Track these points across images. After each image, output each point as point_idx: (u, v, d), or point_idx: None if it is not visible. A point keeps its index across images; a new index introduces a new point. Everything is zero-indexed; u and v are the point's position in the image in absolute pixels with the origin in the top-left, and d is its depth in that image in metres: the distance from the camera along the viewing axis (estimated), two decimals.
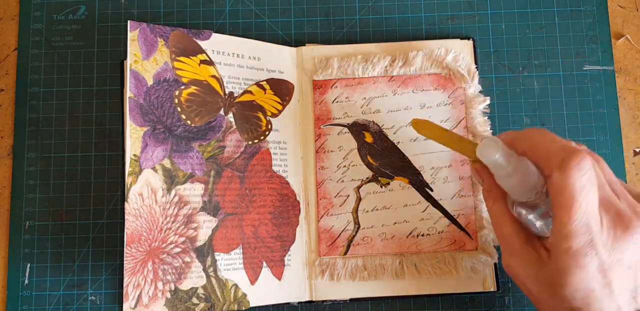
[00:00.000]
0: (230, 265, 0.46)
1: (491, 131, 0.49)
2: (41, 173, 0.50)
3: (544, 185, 0.34)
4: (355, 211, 0.49)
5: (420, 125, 0.42)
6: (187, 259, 0.44)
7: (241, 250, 0.46)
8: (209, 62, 0.47)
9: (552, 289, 0.34)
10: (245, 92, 0.48)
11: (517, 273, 0.36)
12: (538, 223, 0.36)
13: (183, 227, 0.44)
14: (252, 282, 0.46)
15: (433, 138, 0.41)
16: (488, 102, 0.50)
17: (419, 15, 0.52)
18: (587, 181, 0.31)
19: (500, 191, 0.37)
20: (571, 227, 0.31)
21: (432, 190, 0.49)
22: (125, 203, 0.42)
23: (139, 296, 0.42)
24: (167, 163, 0.45)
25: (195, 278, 0.44)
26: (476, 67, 0.50)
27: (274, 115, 0.49)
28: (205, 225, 0.45)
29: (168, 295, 0.43)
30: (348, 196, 0.49)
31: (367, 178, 0.49)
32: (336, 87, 0.50)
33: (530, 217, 0.36)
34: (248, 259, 0.46)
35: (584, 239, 0.32)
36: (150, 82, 0.45)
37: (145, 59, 0.45)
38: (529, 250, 0.35)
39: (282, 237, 0.48)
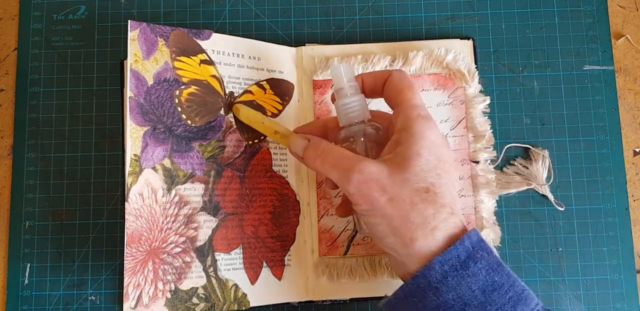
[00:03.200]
0: (231, 265, 0.46)
1: (491, 131, 0.49)
2: (41, 173, 0.50)
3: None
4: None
5: (239, 111, 0.46)
6: (187, 259, 0.44)
7: (241, 250, 0.46)
8: (209, 62, 0.47)
9: (402, 168, 0.36)
10: (246, 91, 0.48)
11: (371, 172, 0.36)
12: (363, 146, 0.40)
13: (183, 226, 0.44)
14: (252, 282, 0.46)
15: (250, 124, 0.46)
16: (488, 101, 0.50)
17: (419, 15, 0.52)
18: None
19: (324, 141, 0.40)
20: (416, 101, 0.38)
21: None
22: (126, 203, 0.42)
23: (139, 296, 0.42)
24: (167, 163, 0.45)
25: (195, 278, 0.44)
26: (476, 67, 0.50)
27: (274, 115, 0.49)
28: (206, 225, 0.45)
29: (168, 295, 0.43)
30: None
31: None
32: None
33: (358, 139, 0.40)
34: (248, 259, 0.46)
35: (426, 110, 0.38)
36: (150, 82, 0.45)
37: (145, 58, 0.45)
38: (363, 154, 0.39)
39: (282, 237, 0.48)
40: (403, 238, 0.36)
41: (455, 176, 0.38)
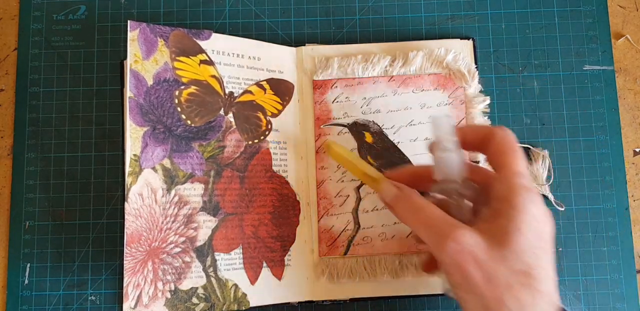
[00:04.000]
0: (230, 265, 0.46)
1: None
2: (41, 173, 0.50)
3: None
4: (355, 211, 0.49)
5: (330, 149, 0.45)
6: (187, 259, 0.44)
7: (241, 250, 0.46)
8: (209, 62, 0.47)
9: (501, 244, 0.33)
10: (245, 92, 0.48)
11: (468, 243, 0.33)
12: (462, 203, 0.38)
13: (183, 226, 0.44)
14: (252, 282, 0.46)
15: (339, 162, 0.45)
16: (488, 101, 0.50)
17: (419, 15, 0.52)
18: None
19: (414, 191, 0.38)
20: (520, 168, 0.35)
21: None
22: (125, 203, 0.42)
23: (139, 296, 0.42)
24: (167, 163, 0.45)
25: (195, 278, 0.44)
26: (476, 67, 0.50)
27: (274, 115, 0.49)
28: (205, 225, 0.45)
29: (168, 295, 0.43)
30: (348, 196, 0.49)
31: None
32: (336, 87, 0.50)
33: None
34: (248, 259, 0.46)
35: (530, 180, 0.35)
36: (150, 82, 0.45)
37: (145, 58, 0.45)
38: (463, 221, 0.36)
39: (282, 237, 0.48)
40: None
41: (553, 256, 0.35)
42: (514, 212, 0.33)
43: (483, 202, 0.36)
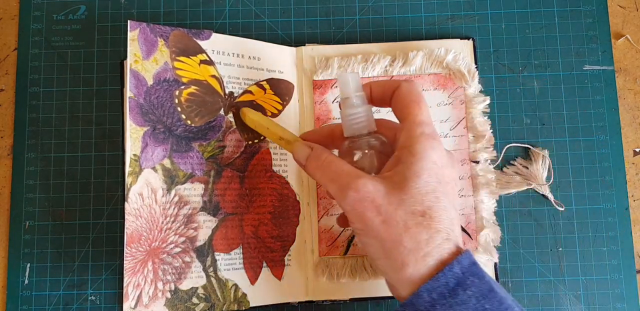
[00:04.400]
0: (230, 265, 0.46)
1: (491, 131, 0.49)
2: (41, 173, 0.50)
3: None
4: None
5: (245, 115, 0.46)
6: (187, 259, 0.44)
7: (241, 250, 0.46)
8: (209, 62, 0.47)
9: (399, 189, 0.35)
10: (245, 92, 0.48)
11: (367, 191, 0.35)
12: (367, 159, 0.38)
13: (183, 226, 0.44)
14: (252, 282, 0.46)
15: (256, 128, 0.45)
16: (488, 101, 0.50)
17: (419, 15, 0.52)
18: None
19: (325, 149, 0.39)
20: (422, 117, 0.37)
21: None
22: (125, 203, 0.42)
23: (139, 296, 0.42)
24: (167, 163, 0.45)
25: (195, 278, 0.44)
26: (476, 67, 0.50)
27: (274, 115, 0.49)
28: (205, 225, 0.45)
29: (168, 295, 0.43)
30: None
31: None
32: (336, 87, 0.50)
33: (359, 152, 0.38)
34: (248, 259, 0.46)
35: (432, 128, 0.37)
36: (150, 82, 0.45)
37: (145, 58, 0.45)
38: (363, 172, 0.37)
39: (282, 237, 0.48)
40: (394, 262, 0.34)
41: (455, 198, 0.37)
42: (413, 158, 0.35)
43: (390, 153, 0.38)
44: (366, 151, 0.38)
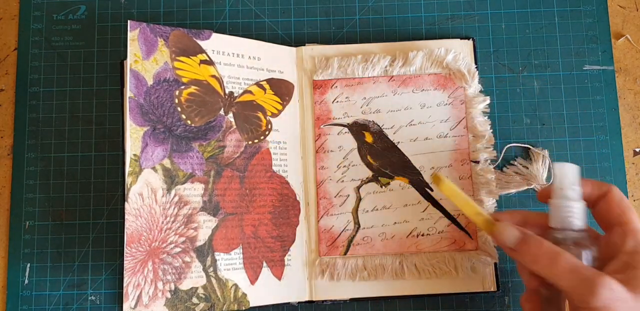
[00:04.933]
0: (230, 265, 0.46)
1: (491, 131, 0.49)
2: (41, 173, 0.50)
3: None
4: (355, 211, 0.49)
5: (441, 182, 0.42)
6: (187, 259, 0.44)
7: (241, 250, 0.46)
8: (209, 62, 0.47)
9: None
10: (245, 91, 0.48)
11: (619, 290, 0.35)
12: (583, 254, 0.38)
13: (183, 226, 0.44)
14: (252, 282, 0.46)
15: (451, 198, 0.42)
16: (488, 101, 0.50)
17: (419, 15, 0.52)
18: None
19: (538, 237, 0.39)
20: None
21: (432, 190, 0.49)
22: (125, 203, 0.42)
23: (139, 296, 0.42)
24: (167, 163, 0.45)
25: (195, 278, 0.44)
26: (476, 67, 0.50)
27: (274, 115, 0.49)
28: (205, 225, 0.45)
29: (168, 294, 0.43)
30: (348, 196, 0.49)
31: (367, 178, 0.49)
32: (336, 87, 0.50)
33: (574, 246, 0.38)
34: (248, 259, 0.46)
35: None
36: (150, 82, 0.45)
37: (145, 58, 0.45)
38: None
39: (282, 237, 0.48)
40: None
41: None
42: None
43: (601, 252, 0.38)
44: (580, 248, 0.38)
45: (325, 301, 0.48)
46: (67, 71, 0.52)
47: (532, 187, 0.49)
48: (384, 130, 0.49)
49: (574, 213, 0.38)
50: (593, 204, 0.40)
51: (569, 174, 0.39)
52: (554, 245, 0.37)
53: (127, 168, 0.43)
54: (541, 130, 0.51)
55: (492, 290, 0.47)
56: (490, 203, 0.48)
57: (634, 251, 0.37)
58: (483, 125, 0.49)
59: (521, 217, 0.42)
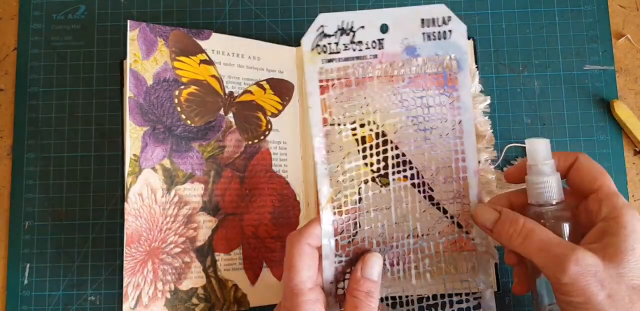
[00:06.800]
0: (230, 265, 0.46)
1: (491, 131, 0.49)
2: (41, 173, 0.50)
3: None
4: (356, 211, 0.48)
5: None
6: (187, 259, 0.44)
7: (241, 250, 0.46)
8: (209, 62, 0.47)
9: (616, 262, 0.35)
10: (245, 91, 0.48)
11: (588, 263, 0.34)
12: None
13: (183, 227, 0.44)
14: (252, 282, 0.46)
15: None
16: (488, 101, 0.50)
17: None
18: None
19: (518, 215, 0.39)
20: (615, 188, 0.38)
21: (432, 190, 0.49)
22: (125, 203, 0.42)
23: (139, 296, 0.42)
24: (166, 163, 0.44)
25: (195, 279, 0.44)
26: (476, 67, 0.50)
27: (274, 115, 0.49)
28: (205, 225, 0.45)
29: (168, 295, 0.43)
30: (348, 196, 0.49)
31: (367, 178, 0.49)
32: (336, 87, 0.50)
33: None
34: (248, 259, 0.46)
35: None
36: (150, 82, 0.45)
37: (145, 58, 0.45)
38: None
39: (282, 237, 0.48)
40: None
41: None
42: (625, 231, 0.35)
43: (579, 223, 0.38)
44: (559, 221, 0.38)
45: None
46: (67, 71, 0.51)
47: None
48: (384, 130, 0.49)
49: (550, 187, 0.38)
50: (565, 175, 0.40)
51: (540, 149, 0.39)
52: (530, 222, 0.37)
53: (127, 169, 0.43)
54: (541, 130, 0.51)
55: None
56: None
57: (608, 217, 0.36)
58: (483, 125, 0.49)
59: (506, 199, 0.42)
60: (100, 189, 0.50)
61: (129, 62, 0.44)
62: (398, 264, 0.48)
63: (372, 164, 0.49)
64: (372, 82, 0.50)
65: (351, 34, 0.43)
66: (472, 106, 0.49)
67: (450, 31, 0.42)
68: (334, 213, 0.43)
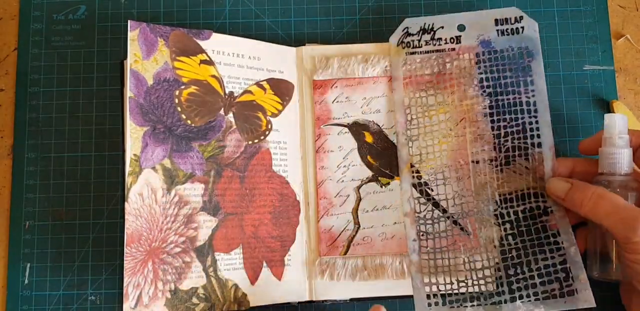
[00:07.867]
0: (230, 265, 0.46)
1: (491, 131, 0.49)
2: (41, 173, 0.50)
3: None
4: (355, 211, 0.49)
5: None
6: (187, 259, 0.44)
7: (241, 250, 0.46)
8: (209, 62, 0.47)
9: None
10: (245, 91, 0.48)
11: None
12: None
13: (183, 226, 0.44)
14: (252, 282, 0.46)
15: None
16: (488, 101, 0.50)
17: (419, 15, 0.52)
18: None
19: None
20: None
21: (432, 190, 0.49)
22: (125, 203, 0.42)
23: (139, 296, 0.42)
24: (167, 163, 0.45)
25: (195, 278, 0.44)
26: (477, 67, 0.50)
27: (274, 115, 0.49)
28: (205, 225, 0.45)
29: (168, 295, 0.43)
30: (348, 196, 0.49)
31: (367, 178, 0.49)
32: (336, 87, 0.50)
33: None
34: (248, 259, 0.46)
35: None
36: (150, 82, 0.45)
37: (145, 58, 0.45)
38: None
39: (282, 237, 0.48)
40: None
41: None
42: None
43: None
44: (627, 191, 0.42)
45: (326, 301, 0.48)
46: (67, 71, 0.52)
47: (531, 186, 0.49)
48: (384, 130, 0.49)
49: (621, 159, 0.42)
50: (635, 152, 0.43)
51: (617, 124, 0.42)
52: (600, 189, 0.41)
53: (127, 168, 0.43)
54: None
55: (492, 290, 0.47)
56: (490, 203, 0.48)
57: None
58: (483, 125, 0.49)
59: (571, 163, 0.46)
60: (100, 189, 0.50)
61: (129, 62, 0.44)
62: (398, 263, 0.48)
63: (372, 164, 0.49)
64: (373, 82, 0.50)
65: (432, 32, 0.49)
66: (545, 89, 0.48)
67: (522, 27, 0.47)
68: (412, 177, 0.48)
